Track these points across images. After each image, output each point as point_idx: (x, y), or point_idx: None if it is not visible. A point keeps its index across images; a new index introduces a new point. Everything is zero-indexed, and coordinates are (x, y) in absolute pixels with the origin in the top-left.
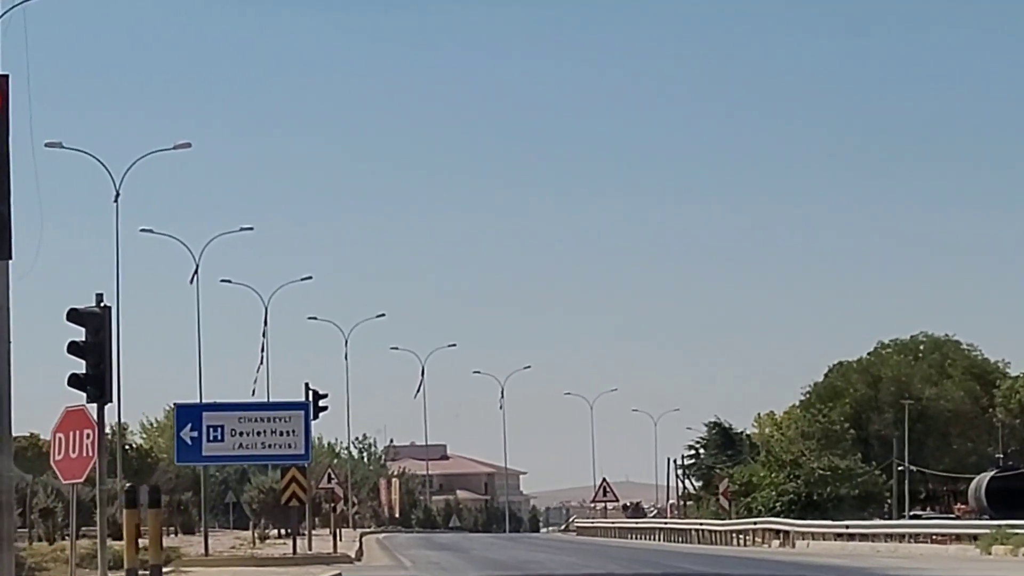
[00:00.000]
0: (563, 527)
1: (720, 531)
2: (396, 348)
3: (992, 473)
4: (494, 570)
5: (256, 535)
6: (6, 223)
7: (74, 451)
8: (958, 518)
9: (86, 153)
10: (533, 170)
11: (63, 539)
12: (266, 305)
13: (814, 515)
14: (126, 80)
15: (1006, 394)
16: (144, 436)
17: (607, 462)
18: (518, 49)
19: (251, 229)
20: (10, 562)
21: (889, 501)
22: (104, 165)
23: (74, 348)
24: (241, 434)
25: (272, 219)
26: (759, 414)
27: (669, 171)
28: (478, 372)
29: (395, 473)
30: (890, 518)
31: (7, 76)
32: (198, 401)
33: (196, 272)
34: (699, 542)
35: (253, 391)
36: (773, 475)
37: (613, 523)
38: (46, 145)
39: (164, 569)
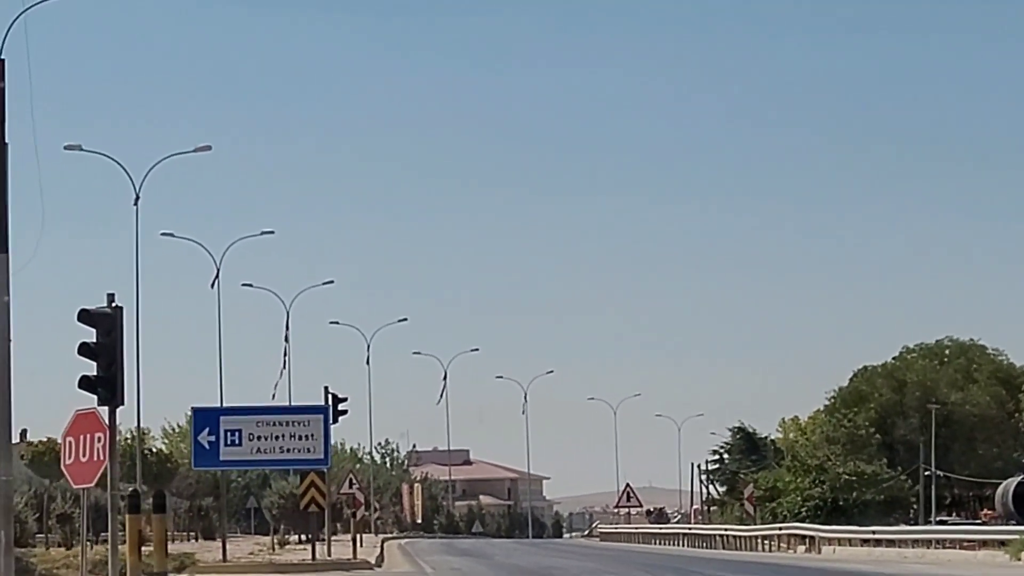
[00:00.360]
0: (586, 533)
1: (745, 536)
2: (418, 353)
3: (1019, 478)
4: None
5: (276, 541)
6: (3, 217)
7: (84, 455)
8: (984, 523)
9: (106, 156)
10: (558, 176)
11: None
12: (287, 309)
13: (839, 520)
14: (147, 83)
15: None
16: (166, 441)
17: (630, 467)
18: (547, 55)
19: (272, 233)
20: (9, 566)
21: (915, 506)
22: (124, 168)
23: (85, 349)
24: (259, 438)
25: (293, 223)
26: (783, 419)
27: (694, 177)
28: (501, 377)
29: (418, 478)
30: (916, 523)
31: (3, 61)
32: (218, 405)
33: (217, 276)
34: (724, 547)
35: (273, 395)
36: (798, 480)
37: (637, 528)
38: (66, 148)
39: None
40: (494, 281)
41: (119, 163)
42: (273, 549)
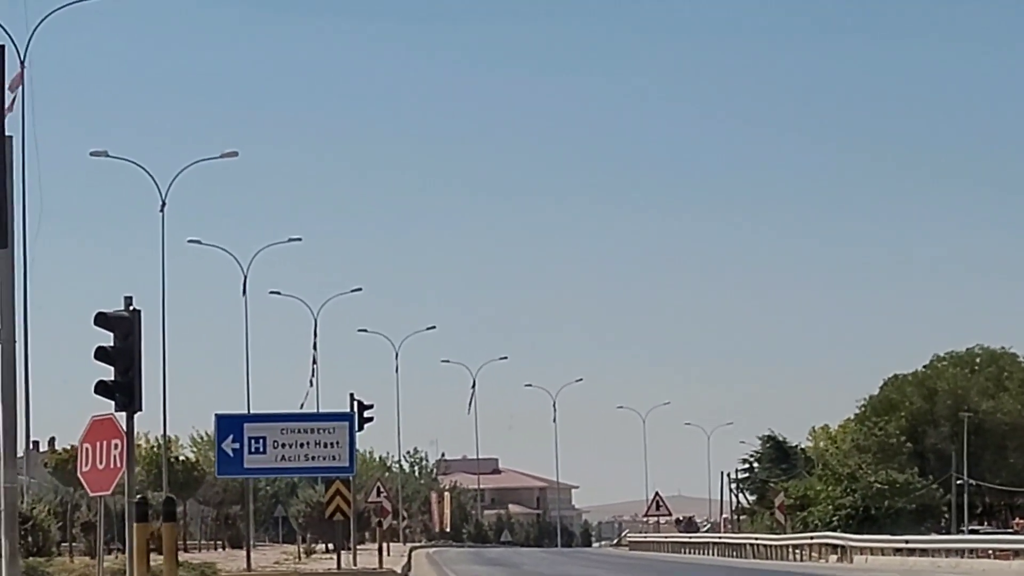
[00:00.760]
0: (615, 542)
1: (776, 546)
2: (447, 361)
3: None
4: None
5: (302, 549)
6: (3, 212)
7: (101, 462)
8: (1016, 532)
9: (132, 162)
10: (589, 185)
11: (109, 553)
12: (315, 317)
13: (871, 529)
14: (174, 89)
15: None
16: (194, 449)
17: (659, 476)
18: (574, 66)
19: (299, 240)
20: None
21: (946, 515)
22: (150, 174)
23: (101, 354)
24: (284, 445)
25: (321, 230)
26: (814, 428)
27: (723, 188)
28: (530, 385)
29: (446, 487)
30: (947, 532)
31: (3, 47)
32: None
33: (245, 283)
34: (754, 557)
35: (302, 405)
36: (829, 489)
37: (666, 538)
38: (92, 154)
39: None
40: (523, 289)
41: (145, 169)
42: (299, 558)
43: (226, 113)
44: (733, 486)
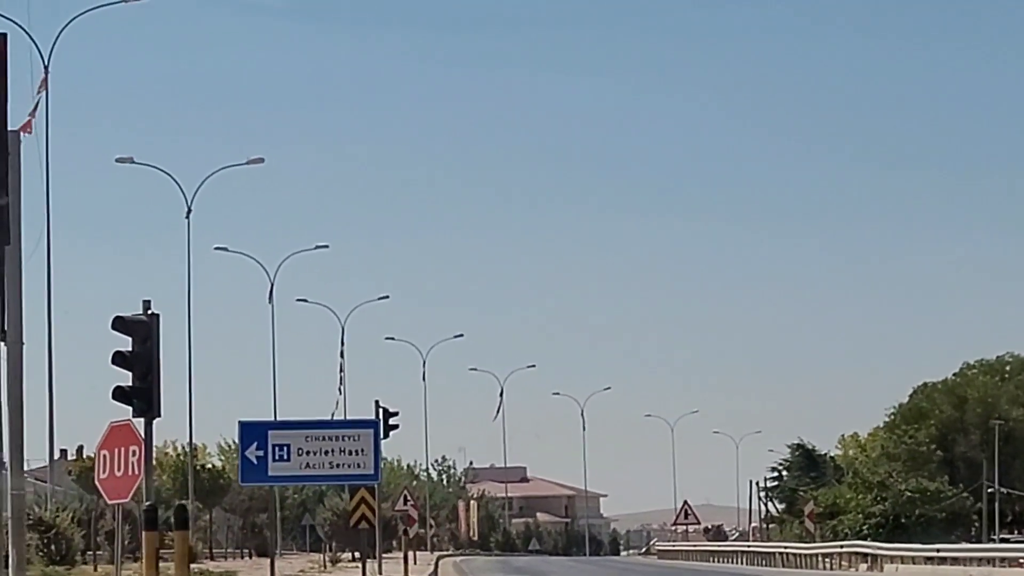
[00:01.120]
0: (644, 550)
1: (805, 554)
2: (475, 369)
3: None
4: None
5: (327, 558)
6: (4, 209)
7: (119, 469)
8: None
9: (158, 169)
10: (614, 195)
11: (135, 561)
12: (343, 325)
13: (901, 538)
14: (200, 96)
15: None
16: (222, 458)
17: (688, 484)
18: (601, 75)
19: (326, 247)
20: None
21: (976, 524)
22: (176, 181)
23: (119, 359)
24: (308, 453)
25: (348, 237)
26: (843, 436)
27: (747, 199)
28: (558, 394)
29: (474, 496)
30: (977, 541)
31: (6, 35)
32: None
33: (271, 291)
34: (783, 565)
35: (333, 414)
36: (859, 497)
37: (695, 546)
38: (117, 160)
39: None
40: (551, 297)
41: (171, 176)
42: (324, 567)
43: (252, 119)
44: (762, 494)
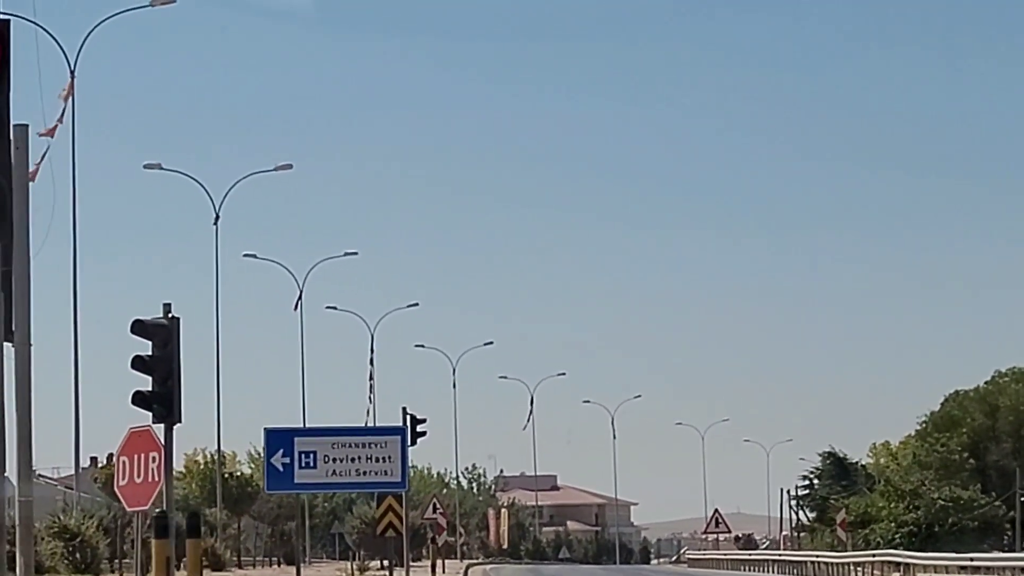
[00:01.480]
0: (674, 559)
1: (837, 563)
2: (504, 377)
3: None
4: None
5: (355, 566)
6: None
7: (139, 476)
8: None
9: (186, 175)
10: (640, 205)
11: None
12: (372, 333)
13: (934, 547)
14: (228, 102)
15: None
16: (252, 466)
17: (718, 493)
18: (632, 88)
19: (355, 254)
20: None
21: (1009, 533)
22: (204, 187)
23: (139, 363)
24: (334, 460)
25: (377, 244)
26: (874, 444)
27: (774, 208)
28: (588, 401)
29: (504, 504)
30: (1010, 550)
31: (8, 21)
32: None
33: (300, 298)
34: (815, 574)
35: (365, 423)
36: (892, 506)
37: (726, 555)
38: (145, 167)
39: None
40: (580, 304)
41: (199, 182)
42: (352, 574)
43: (281, 126)
44: (793, 503)
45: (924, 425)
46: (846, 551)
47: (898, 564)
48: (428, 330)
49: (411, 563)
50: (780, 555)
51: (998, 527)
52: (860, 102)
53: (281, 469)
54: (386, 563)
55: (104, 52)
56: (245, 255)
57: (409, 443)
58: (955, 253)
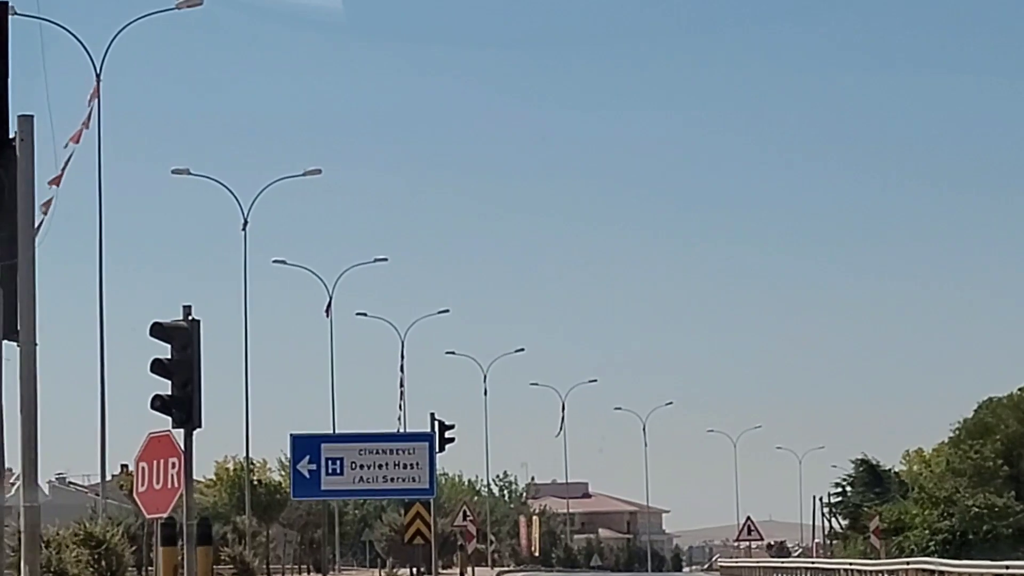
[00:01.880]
0: (706, 566)
1: (870, 571)
2: (536, 384)
3: None
4: None
5: (383, 574)
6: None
7: (158, 482)
8: None
9: (214, 180)
10: (671, 213)
11: None
12: (402, 339)
13: (968, 555)
14: (257, 107)
15: None
16: (282, 473)
17: (750, 500)
18: (666, 100)
19: (385, 260)
20: None
21: None
22: (232, 192)
23: (158, 367)
24: (362, 467)
25: (407, 250)
26: (907, 451)
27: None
28: (619, 408)
29: (536, 511)
30: None
31: (7, 3)
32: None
33: (330, 304)
34: None
35: (397, 430)
36: (926, 513)
37: (758, 562)
38: (173, 172)
39: None
40: (612, 312)
41: (227, 187)
42: None
43: (310, 131)
44: (825, 510)
45: (957, 432)
46: (880, 559)
47: (932, 572)
48: (459, 337)
49: (440, 570)
50: (813, 563)
51: None
52: (895, 114)
53: (308, 476)
54: (415, 570)
55: (132, 55)
56: (275, 261)
57: (437, 449)
58: (988, 260)
